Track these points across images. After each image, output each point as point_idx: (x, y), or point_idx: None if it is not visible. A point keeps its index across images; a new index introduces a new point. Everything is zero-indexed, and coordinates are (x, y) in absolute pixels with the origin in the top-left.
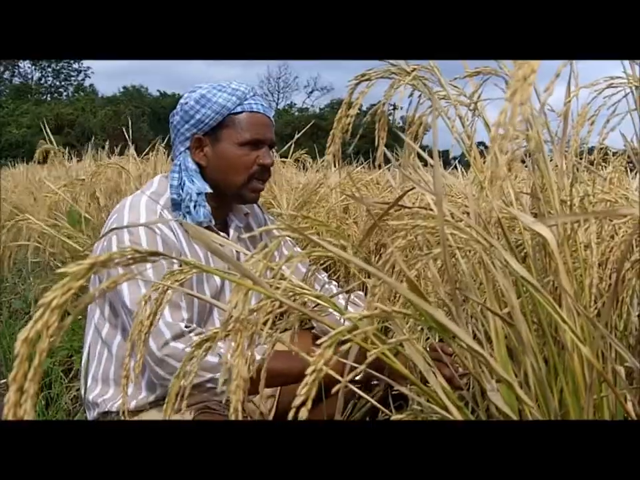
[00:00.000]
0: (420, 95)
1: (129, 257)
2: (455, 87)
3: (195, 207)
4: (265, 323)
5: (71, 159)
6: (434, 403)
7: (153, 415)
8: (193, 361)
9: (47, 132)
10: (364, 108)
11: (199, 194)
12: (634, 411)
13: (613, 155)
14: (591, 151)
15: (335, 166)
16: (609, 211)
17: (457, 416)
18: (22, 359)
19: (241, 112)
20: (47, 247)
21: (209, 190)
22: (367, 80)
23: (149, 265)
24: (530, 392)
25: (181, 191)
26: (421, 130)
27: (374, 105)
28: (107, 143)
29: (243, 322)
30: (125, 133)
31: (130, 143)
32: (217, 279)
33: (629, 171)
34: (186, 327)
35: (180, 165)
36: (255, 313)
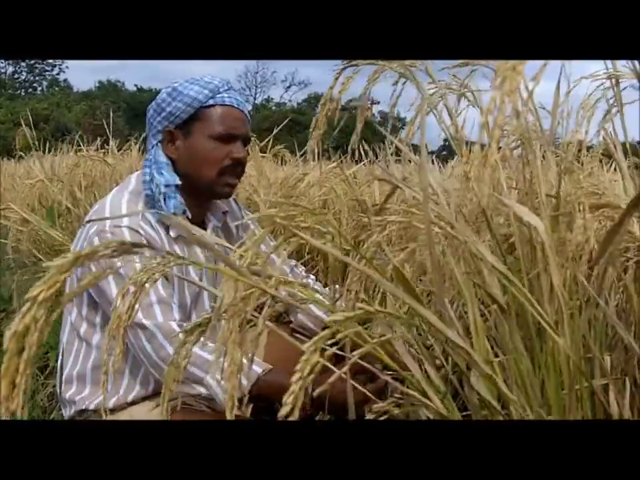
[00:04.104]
0: (405, 83)
1: (114, 249)
2: (441, 80)
3: (164, 199)
4: (256, 309)
5: (48, 153)
6: (414, 390)
7: (130, 413)
8: (184, 352)
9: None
10: (342, 103)
11: (167, 186)
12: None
13: (588, 150)
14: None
15: (315, 159)
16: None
17: (437, 403)
18: (12, 354)
19: (213, 105)
20: (25, 243)
21: (178, 182)
22: (354, 65)
23: (137, 264)
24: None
25: (152, 185)
26: (413, 128)
27: (350, 100)
28: (84, 137)
29: (235, 308)
30: (103, 128)
31: (110, 137)
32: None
33: (603, 164)
34: (178, 325)
35: (151, 158)
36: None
